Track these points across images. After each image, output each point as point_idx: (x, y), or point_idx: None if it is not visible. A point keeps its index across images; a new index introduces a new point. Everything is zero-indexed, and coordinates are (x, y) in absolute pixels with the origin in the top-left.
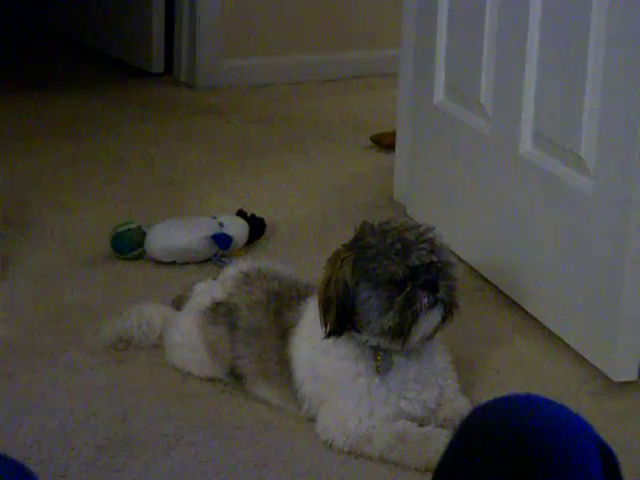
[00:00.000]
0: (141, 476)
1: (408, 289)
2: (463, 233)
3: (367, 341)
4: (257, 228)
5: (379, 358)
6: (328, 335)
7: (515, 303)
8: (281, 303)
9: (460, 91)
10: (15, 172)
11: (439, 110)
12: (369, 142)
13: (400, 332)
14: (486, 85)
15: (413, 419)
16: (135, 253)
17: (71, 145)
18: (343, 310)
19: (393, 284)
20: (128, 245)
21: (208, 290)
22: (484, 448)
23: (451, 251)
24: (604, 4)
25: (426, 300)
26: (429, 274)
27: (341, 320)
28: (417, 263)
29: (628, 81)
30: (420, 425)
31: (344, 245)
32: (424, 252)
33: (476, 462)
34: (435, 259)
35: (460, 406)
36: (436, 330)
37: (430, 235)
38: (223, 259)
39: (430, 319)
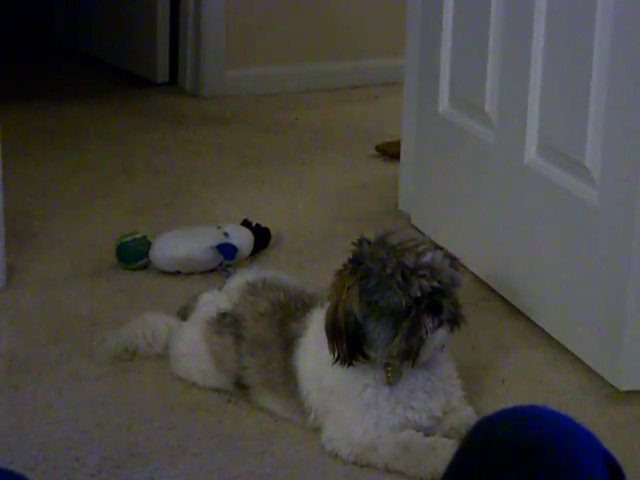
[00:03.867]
0: None
1: (412, 316)
2: (468, 242)
3: (377, 360)
4: (262, 238)
5: (389, 369)
6: (336, 362)
7: (520, 312)
8: (286, 314)
9: (465, 100)
10: (19, 182)
11: (444, 119)
12: (374, 151)
13: (408, 355)
14: (491, 94)
15: (419, 429)
16: (140, 263)
17: (76, 155)
18: (354, 342)
19: (397, 313)
20: (133, 255)
21: (213, 300)
22: (489, 460)
23: (453, 259)
24: (609, 14)
25: (431, 324)
26: (432, 297)
27: (351, 350)
28: (419, 294)
29: (633, 91)
30: (426, 435)
31: (345, 267)
32: (424, 280)
33: (481, 474)
34: (436, 284)
35: (466, 416)
36: (444, 344)
37: (427, 259)
38: (228, 269)
39: (437, 339)
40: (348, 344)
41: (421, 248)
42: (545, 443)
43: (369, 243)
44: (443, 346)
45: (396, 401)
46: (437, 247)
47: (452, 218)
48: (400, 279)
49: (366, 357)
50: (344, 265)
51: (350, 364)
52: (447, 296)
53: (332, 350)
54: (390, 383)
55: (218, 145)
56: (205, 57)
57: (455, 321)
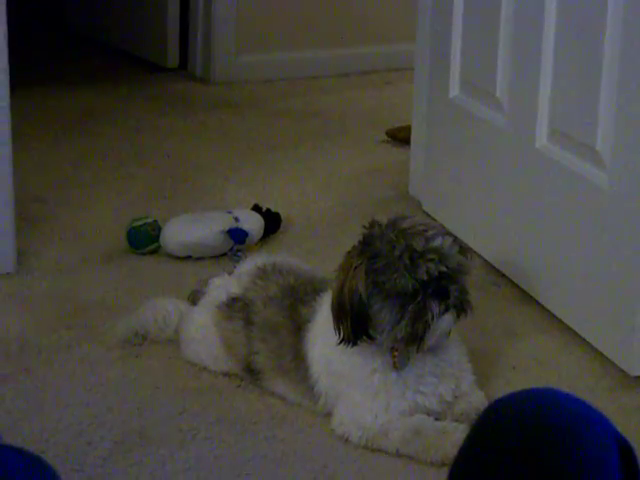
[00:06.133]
0: (157, 471)
1: (419, 299)
2: (478, 227)
3: (382, 343)
4: (272, 222)
5: (395, 354)
6: (341, 342)
7: (531, 297)
8: (296, 298)
9: (476, 85)
10: (31, 167)
11: (455, 104)
12: (384, 136)
13: (413, 340)
14: (502, 79)
15: (429, 413)
16: (151, 248)
17: (86, 140)
18: (358, 322)
19: (404, 295)
20: (144, 240)
21: (224, 285)
22: (501, 443)
23: (464, 248)
24: None
25: (437, 309)
26: (439, 281)
27: (356, 330)
28: (426, 277)
29: None
30: (436, 419)
31: (354, 247)
32: (432, 264)
33: (493, 457)
34: (444, 269)
35: (476, 400)
36: (450, 330)
37: (437, 243)
38: (238, 254)
39: (443, 324)
40: (353, 324)
41: (431, 232)
42: (557, 425)
43: (380, 226)
44: (449, 332)
45: (405, 385)
46: (448, 233)
47: (463, 203)
48: (408, 261)
49: (371, 338)
50: (353, 246)
51: (354, 344)
52: (454, 282)
53: (337, 330)
54: (397, 367)
55: (228, 130)
56: (215, 42)
57: (462, 307)
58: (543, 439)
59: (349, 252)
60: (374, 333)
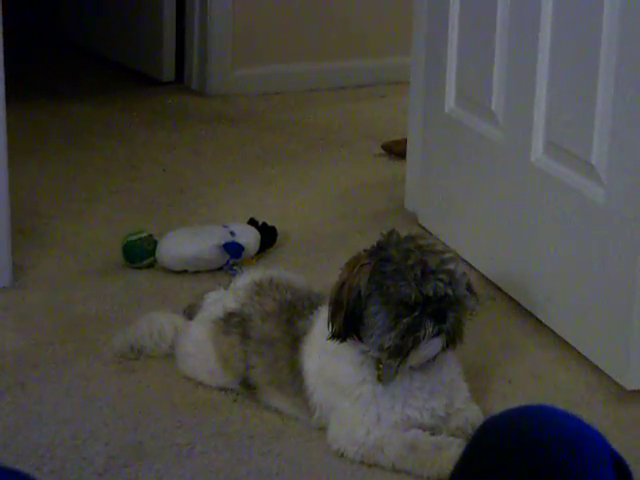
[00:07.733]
0: None
1: (416, 314)
2: (474, 241)
3: (369, 351)
4: (268, 236)
5: (380, 367)
6: (332, 337)
7: (527, 311)
8: (293, 312)
9: (471, 99)
10: (27, 180)
11: (450, 118)
12: (380, 150)
13: (398, 353)
14: (497, 93)
15: (423, 428)
16: (146, 262)
17: (82, 153)
18: (351, 317)
19: (403, 305)
20: (139, 254)
21: (220, 299)
22: (497, 459)
23: (471, 285)
24: (616, 12)
25: (431, 329)
26: (440, 304)
27: (347, 326)
28: (431, 294)
29: None
30: (432, 434)
31: (365, 250)
32: (441, 284)
33: (489, 474)
34: (450, 292)
35: (472, 415)
36: (435, 357)
37: (451, 266)
38: (235, 268)
39: (430, 347)
40: (346, 319)
41: (447, 256)
42: (553, 443)
43: (398, 236)
44: (434, 358)
45: (394, 398)
46: (461, 263)
47: (458, 216)
48: (419, 273)
49: (360, 339)
50: (364, 250)
51: (343, 340)
52: (455, 310)
53: (330, 323)
54: (381, 380)
55: (224, 144)
56: (211, 56)
57: (453, 338)
58: (538, 457)
59: (360, 252)
60: (363, 336)
